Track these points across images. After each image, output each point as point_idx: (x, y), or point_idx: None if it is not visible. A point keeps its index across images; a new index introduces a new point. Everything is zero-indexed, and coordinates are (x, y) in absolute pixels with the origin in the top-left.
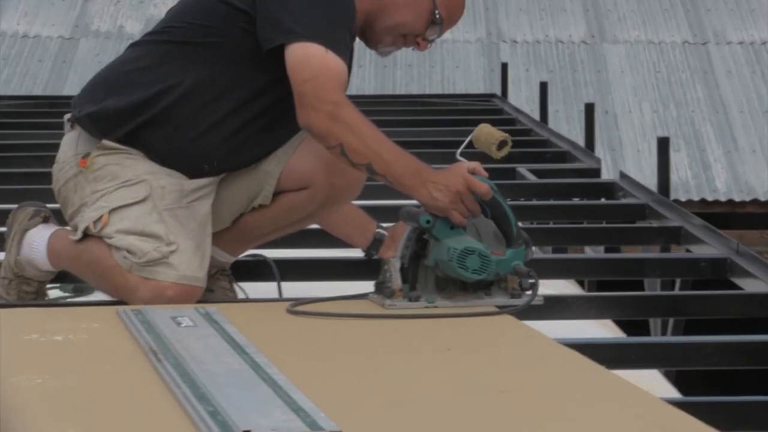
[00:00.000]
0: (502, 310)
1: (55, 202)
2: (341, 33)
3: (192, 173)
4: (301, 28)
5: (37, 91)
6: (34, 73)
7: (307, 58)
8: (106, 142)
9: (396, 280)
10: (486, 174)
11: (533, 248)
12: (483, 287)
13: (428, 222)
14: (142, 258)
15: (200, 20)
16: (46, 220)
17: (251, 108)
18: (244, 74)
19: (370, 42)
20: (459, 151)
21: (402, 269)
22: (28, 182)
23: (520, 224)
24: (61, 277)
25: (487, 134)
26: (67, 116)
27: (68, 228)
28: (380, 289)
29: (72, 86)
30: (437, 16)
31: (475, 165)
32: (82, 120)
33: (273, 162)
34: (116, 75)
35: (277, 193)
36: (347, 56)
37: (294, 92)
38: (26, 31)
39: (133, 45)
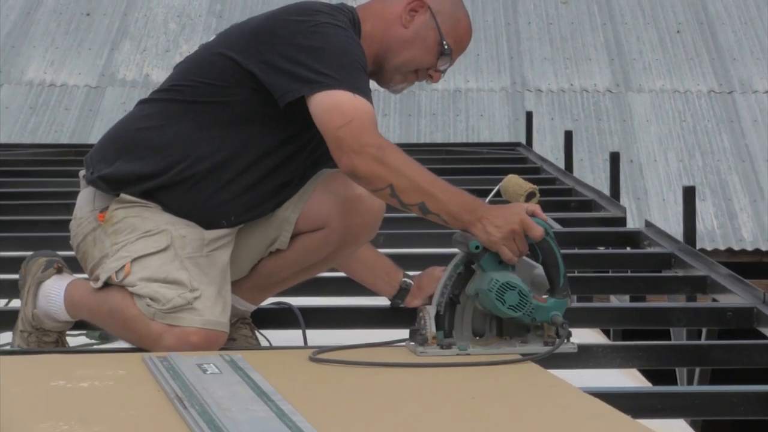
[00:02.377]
0: (525, 357)
1: (71, 249)
2: (361, 75)
3: (210, 228)
4: (321, 77)
5: (64, 140)
6: (61, 122)
7: (337, 104)
8: (123, 196)
9: (430, 328)
10: (545, 217)
11: (573, 297)
12: (519, 335)
13: (477, 248)
14: (166, 305)
15: (208, 78)
16: (60, 271)
17: (264, 165)
18: (255, 133)
19: (382, 81)
20: (487, 199)
21: (437, 316)
22: (54, 230)
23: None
24: (84, 325)
25: (515, 185)
26: (82, 173)
27: (85, 277)
28: (414, 336)
29: (98, 134)
30: (446, 47)
31: (535, 207)
32: (96, 182)
33: (289, 208)
34: (126, 134)
35: (293, 236)
36: (371, 98)
37: (329, 139)
38: (53, 80)
39: (141, 102)
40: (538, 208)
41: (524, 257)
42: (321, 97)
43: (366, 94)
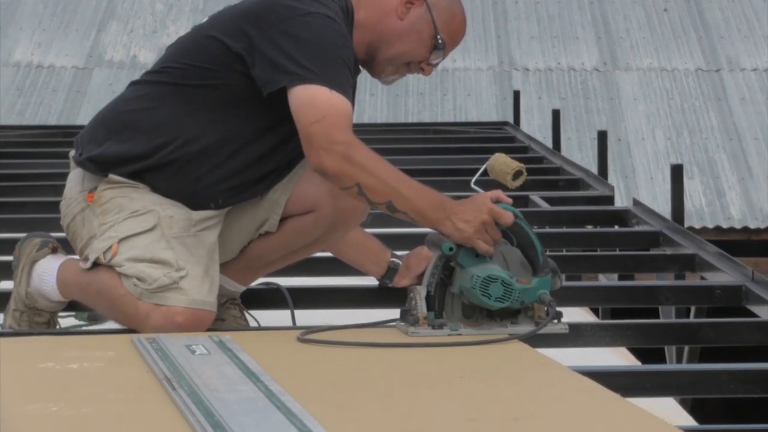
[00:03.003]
0: (512, 336)
1: (60, 231)
2: (342, 71)
3: (197, 209)
4: (302, 70)
5: (52, 121)
6: (48, 103)
7: (312, 99)
8: (112, 177)
9: (421, 308)
10: (509, 201)
11: (562, 276)
12: (510, 315)
13: (451, 249)
14: (152, 284)
15: (198, 61)
16: (54, 251)
17: (252, 149)
18: (244, 116)
19: (374, 72)
20: (474, 179)
21: (428, 297)
22: (42, 211)
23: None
24: (74, 306)
25: (502, 164)
26: (72, 153)
27: (77, 258)
28: (405, 316)
29: (86, 116)
30: (439, 41)
31: (498, 193)
32: (84, 163)
33: (279, 191)
34: (116, 115)
35: (283, 219)
36: (350, 94)
37: (301, 135)
38: (40, 62)
39: (133, 83)
40: (501, 194)
41: (502, 243)
42: (299, 90)
43: (344, 90)
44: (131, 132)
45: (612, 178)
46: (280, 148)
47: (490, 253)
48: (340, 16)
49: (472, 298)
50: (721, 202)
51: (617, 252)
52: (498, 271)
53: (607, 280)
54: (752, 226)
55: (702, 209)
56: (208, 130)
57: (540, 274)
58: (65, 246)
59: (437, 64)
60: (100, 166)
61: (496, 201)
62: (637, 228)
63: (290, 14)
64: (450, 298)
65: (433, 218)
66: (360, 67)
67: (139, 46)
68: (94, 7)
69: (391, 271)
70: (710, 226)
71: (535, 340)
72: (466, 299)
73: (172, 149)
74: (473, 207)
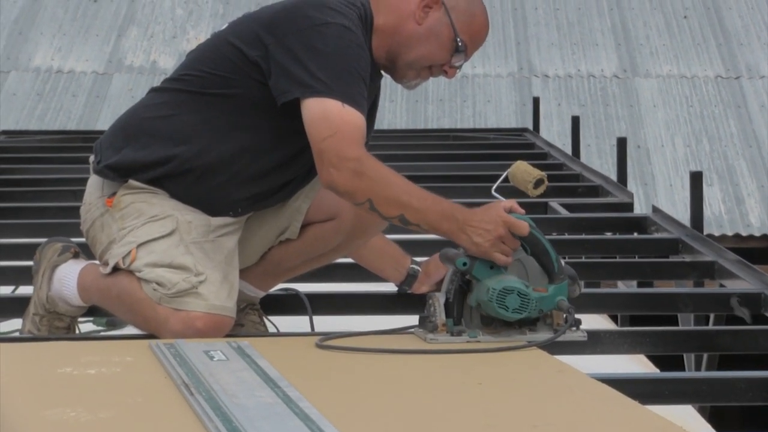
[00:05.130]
0: (531, 343)
1: (80, 235)
2: (356, 84)
3: (216, 216)
4: (315, 81)
5: (71, 126)
6: (68, 108)
7: (324, 113)
8: (132, 182)
9: (440, 315)
10: (523, 211)
11: (581, 283)
12: (528, 322)
13: (465, 264)
14: (171, 289)
15: (216, 70)
16: (75, 256)
17: (270, 158)
18: (263, 125)
19: (396, 76)
20: (495, 186)
21: (446, 304)
22: (62, 216)
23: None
24: (93, 311)
25: (523, 172)
26: (91, 159)
27: (98, 263)
28: (424, 323)
29: (105, 121)
30: (460, 44)
31: (512, 203)
32: (103, 171)
33: (300, 198)
34: (135, 122)
35: (304, 226)
36: (363, 107)
37: (313, 150)
38: (60, 66)
39: (152, 90)
40: (514, 203)
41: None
42: (312, 103)
43: (357, 103)
44: (150, 139)
45: (631, 185)
46: (298, 156)
47: (508, 264)
48: (358, 24)
49: (490, 310)
50: (740, 209)
51: (636, 259)
52: (513, 281)
53: (626, 287)
54: None
55: (721, 216)
56: (226, 138)
57: (556, 281)
58: (85, 251)
59: (460, 66)
60: (119, 173)
61: (509, 211)
62: (656, 235)
63: (308, 24)
64: (469, 305)
65: (445, 229)
66: (382, 72)
67: (159, 51)
68: (114, 12)
69: (411, 277)
70: (729, 233)
71: (554, 348)
72: (484, 312)
73: (190, 157)
74: (488, 219)
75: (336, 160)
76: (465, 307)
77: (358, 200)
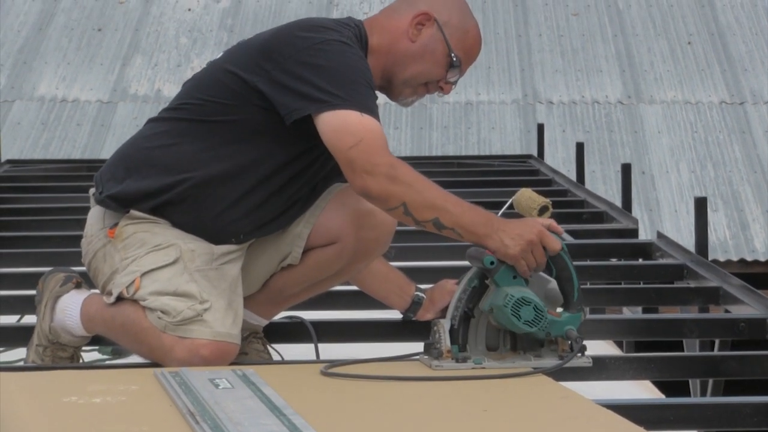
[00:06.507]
0: (537, 370)
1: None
2: (368, 93)
3: (219, 244)
4: (328, 96)
5: (76, 155)
6: (73, 137)
7: (345, 124)
8: (134, 212)
9: (445, 341)
10: (561, 231)
11: (586, 309)
12: (533, 349)
13: (492, 263)
14: (176, 317)
15: (215, 97)
16: (78, 286)
17: (273, 183)
18: (263, 150)
19: (392, 95)
20: (499, 213)
21: (451, 330)
22: (65, 245)
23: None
24: (98, 340)
25: (528, 199)
26: (92, 191)
27: (101, 293)
28: (429, 350)
29: (110, 149)
30: (454, 59)
31: (552, 221)
32: (105, 201)
33: (301, 223)
34: (135, 153)
35: (305, 251)
36: (378, 115)
37: (340, 160)
38: (65, 96)
39: (151, 121)
40: (554, 223)
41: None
42: (328, 116)
43: (373, 112)
44: (150, 169)
45: (636, 211)
46: (299, 179)
47: (528, 275)
48: (354, 42)
49: (501, 317)
50: (745, 234)
51: (641, 285)
52: (533, 295)
53: (631, 313)
54: None
55: (726, 242)
56: (227, 164)
57: (572, 309)
58: (88, 281)
59: (455, 81)
60: (120, 203)
61: (548, 228)
62: (661, 261)
63: (306, 44)
64: (474, 331)
65: (480, 233)
66: (377, 92)
67: (163, 79)
68: (119, 41)
69: (416, 304)
70: (734, 258)
71: (559, 374)
72: (494, 318)
73: (191, 185)
74: (523, 227)
75: (369, 166)
76: (470, 332)
77: (391, 205)
